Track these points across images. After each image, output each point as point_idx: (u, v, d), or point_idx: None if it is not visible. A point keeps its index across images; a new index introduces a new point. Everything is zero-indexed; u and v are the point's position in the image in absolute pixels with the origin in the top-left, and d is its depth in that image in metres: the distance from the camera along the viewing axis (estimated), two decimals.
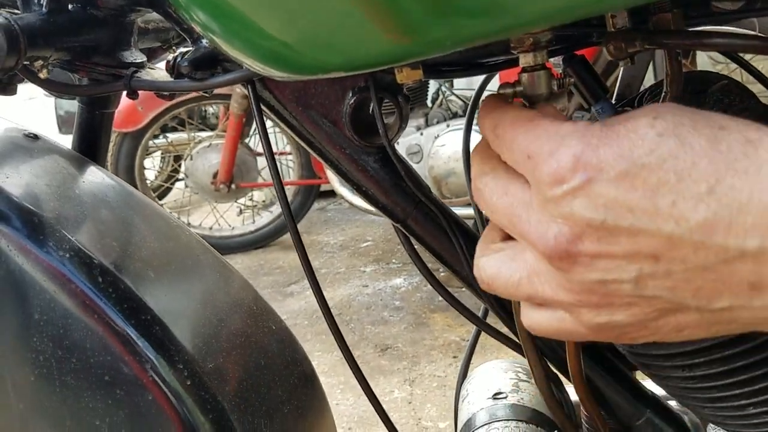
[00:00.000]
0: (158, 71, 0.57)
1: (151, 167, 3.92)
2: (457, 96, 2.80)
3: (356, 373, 0.59)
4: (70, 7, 0.53)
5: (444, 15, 0.35)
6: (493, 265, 0.36)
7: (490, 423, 0.60)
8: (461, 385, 0.71)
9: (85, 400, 0.54)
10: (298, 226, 3.57)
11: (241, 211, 3.53)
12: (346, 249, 3.37)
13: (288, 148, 3.44)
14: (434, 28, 0.36)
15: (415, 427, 1.84)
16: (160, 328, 0.55)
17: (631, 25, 0.43)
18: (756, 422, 0.50)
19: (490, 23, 0.35)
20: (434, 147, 2.55)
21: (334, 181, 2.68)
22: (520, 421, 0.60)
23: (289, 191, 3.34)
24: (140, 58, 0.56)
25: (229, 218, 3.44)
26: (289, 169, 3.49)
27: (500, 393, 0.63)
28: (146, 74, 0.55)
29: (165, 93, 0.54)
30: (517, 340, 0.57)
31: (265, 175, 3.32)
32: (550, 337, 0.35)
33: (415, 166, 2.67)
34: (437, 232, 0.57)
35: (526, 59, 0.41)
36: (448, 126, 2.59)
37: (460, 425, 0.65)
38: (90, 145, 0.68)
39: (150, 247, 0.63)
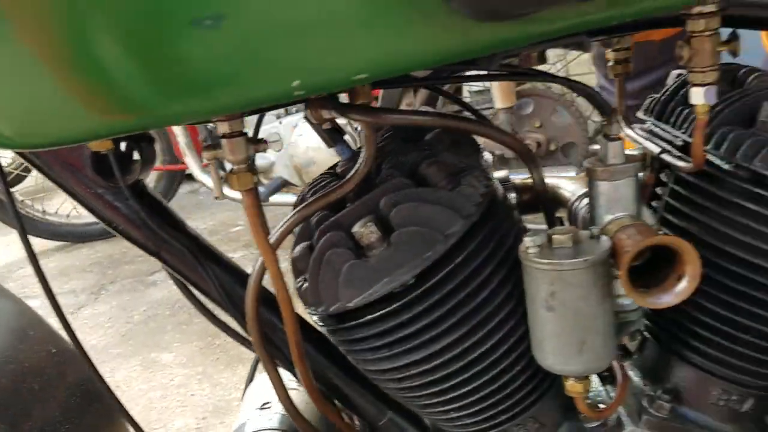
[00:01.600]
0: None
1: (2, 155, 3.67)
2: None
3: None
4: None
5: (168, 96, 0.37)
6: None
7: None
8: (244, 394, 0.76)
9: None
10: None
11: None
12: (216, 234, 3.33)
13: None
14: (160, 107, 0.37)
15: None
16: None
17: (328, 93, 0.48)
18: (459, 424, 0.58)
19: (217, 101, 0.38)
20: (293, 136, 2.57)
21: (194, 168, 2.64)
22: (282, 431, 0.65)
23: (153, 176, 3.26)
24: None
25: None
26: None
27: (267, 403, 0.68)
28: None
29: None
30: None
31: None
32: None
33: (276, 155, 2.66)
34: (190, 262, 0.61)
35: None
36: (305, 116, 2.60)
37: None
38: None
39: None
